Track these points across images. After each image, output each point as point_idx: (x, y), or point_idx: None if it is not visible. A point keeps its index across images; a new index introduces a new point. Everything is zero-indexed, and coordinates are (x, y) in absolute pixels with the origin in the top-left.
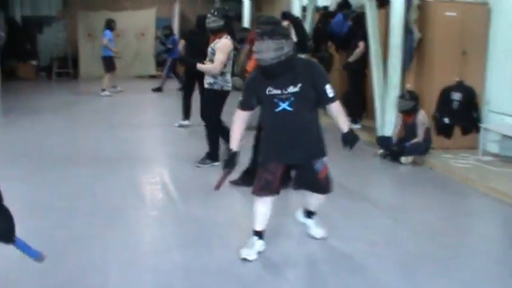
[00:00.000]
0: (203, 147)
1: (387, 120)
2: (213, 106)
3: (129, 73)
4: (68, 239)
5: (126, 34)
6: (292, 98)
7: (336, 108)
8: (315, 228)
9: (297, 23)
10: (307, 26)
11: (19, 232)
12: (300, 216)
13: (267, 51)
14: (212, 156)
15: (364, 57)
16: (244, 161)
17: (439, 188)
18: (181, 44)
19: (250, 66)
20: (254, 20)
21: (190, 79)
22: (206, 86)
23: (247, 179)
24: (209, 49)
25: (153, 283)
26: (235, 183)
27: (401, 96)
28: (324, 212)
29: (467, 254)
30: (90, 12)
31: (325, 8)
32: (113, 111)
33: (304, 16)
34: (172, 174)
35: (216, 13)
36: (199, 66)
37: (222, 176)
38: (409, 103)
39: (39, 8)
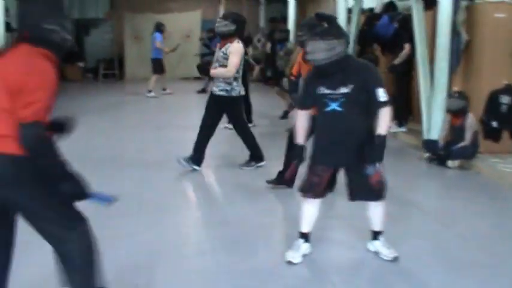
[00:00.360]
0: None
1: (434, 123)
2: (237, 113)
3: (174, 75)
4: (112, 238)
5: (171, 36)
6: (343, 99)
7: (384, 113)
8: (383, 250)
9: (331, 21)
10: (353, 28)
11: None
12: (370, 244)
13: (319, 51)
14: (256, 158)
15: (410, 60)
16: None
17: (487, 192)
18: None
19: (294, 69)
20: (299, 21)
21: None
22: (221, 93)
23: (281, 178)
24: (220, 53)
25: (199, 284)
26: (270, 182)
27: (451, 96)
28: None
29: None
30: (136, 15)
31: (371, 10)
32: (158, 112)
33: (349, 18)
34: (217, 175)
35: (227, 17)
36: (213, 71)
37: (292, 168)
38: (460, 102)
39: (87, 10)
